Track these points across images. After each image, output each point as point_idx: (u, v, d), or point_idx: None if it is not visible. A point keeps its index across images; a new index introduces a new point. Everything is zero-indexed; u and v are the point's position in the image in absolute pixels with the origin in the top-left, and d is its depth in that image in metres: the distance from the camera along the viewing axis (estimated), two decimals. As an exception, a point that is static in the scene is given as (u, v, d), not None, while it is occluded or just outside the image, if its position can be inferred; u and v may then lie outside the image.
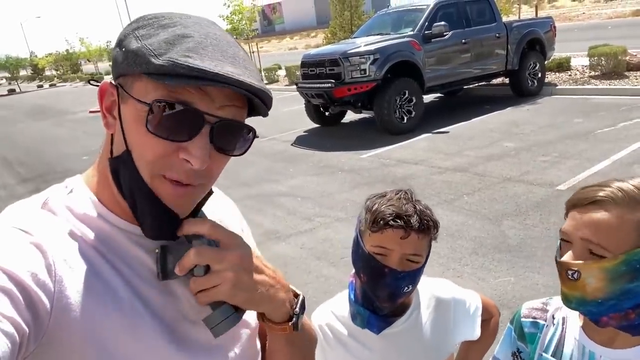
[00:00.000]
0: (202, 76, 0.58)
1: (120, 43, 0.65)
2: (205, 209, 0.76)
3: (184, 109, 0.61)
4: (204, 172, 0.65)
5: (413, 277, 1.02)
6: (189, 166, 0.62)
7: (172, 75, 0.58)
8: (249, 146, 0.70)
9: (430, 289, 1.19)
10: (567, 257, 0.85)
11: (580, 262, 0.83)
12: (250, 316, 0.79)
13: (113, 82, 0.66)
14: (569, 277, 0.84)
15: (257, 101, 0.64)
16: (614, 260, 0.80)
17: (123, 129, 0.64)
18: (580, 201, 0.85)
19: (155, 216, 0.65)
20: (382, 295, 1.03)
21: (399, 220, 0.98)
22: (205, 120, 0.62)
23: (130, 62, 0.61)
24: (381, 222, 0.99)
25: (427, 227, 1.00)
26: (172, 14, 0.66)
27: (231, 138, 0.67)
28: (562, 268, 0.86)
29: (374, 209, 1.02)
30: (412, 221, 0.98)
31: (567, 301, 0.88)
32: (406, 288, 1.02)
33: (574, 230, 0.85)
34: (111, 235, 0.67)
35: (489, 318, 1.25)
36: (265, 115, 0.70)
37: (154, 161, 0.62)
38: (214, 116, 0.62)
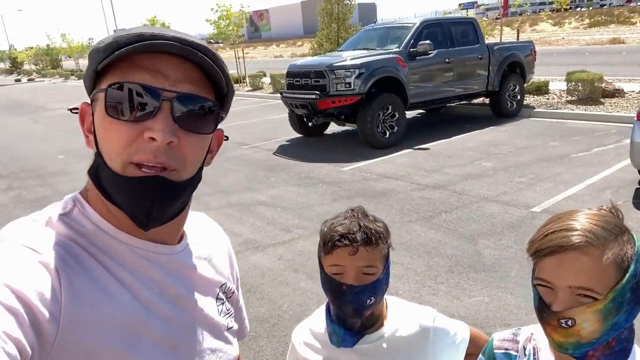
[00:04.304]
0: (141, 39, 0.61)
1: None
2: (197, 244, 0.79)
3: (138, 86, 0.62)
4: (175, 154, 0.64)
5: (372, 289, 1.06)
6: (155, 144, 0.62)
7: (118, 49, 0.61)
8: (217, 123, 0.70)
9: (413, 315, 1.21)
10: (558, 306, 0.84)
11: (575, 309, 0.82)
12: (235, 346, 0.82)
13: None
14: (563, 325, 0.83)
15: (218, 76, 0.66)
16: (605, 300, 0.81)
17: (95, 136, 0.66)
18: (558, 249, 0.83)
19: (140, 192, 0.63)
20: (348, 311, 1.07)
21: (344, 240, 1.04)
22: (162, 96, 0.63)
23: (89, 66, 0.65)
24: (329, 243, 1.06)
25: (374, 239, 1.05)
26: None
27: (195, 114, 0.66)
28: (554, 317, 0.84)
29: (324, 232, 1.09)
30: (357, 237, 1.04)
31: (563, 349, 0.86)
32: (369, 300, 1.06)
33: (559, 279, 0.84)
34: (118, 251, 0.67)
35: (476, 352, 1.23)
36: (222, 82, 0.68)
37: (121, 150, 0.62)
38: (170, 91, 0.63)
